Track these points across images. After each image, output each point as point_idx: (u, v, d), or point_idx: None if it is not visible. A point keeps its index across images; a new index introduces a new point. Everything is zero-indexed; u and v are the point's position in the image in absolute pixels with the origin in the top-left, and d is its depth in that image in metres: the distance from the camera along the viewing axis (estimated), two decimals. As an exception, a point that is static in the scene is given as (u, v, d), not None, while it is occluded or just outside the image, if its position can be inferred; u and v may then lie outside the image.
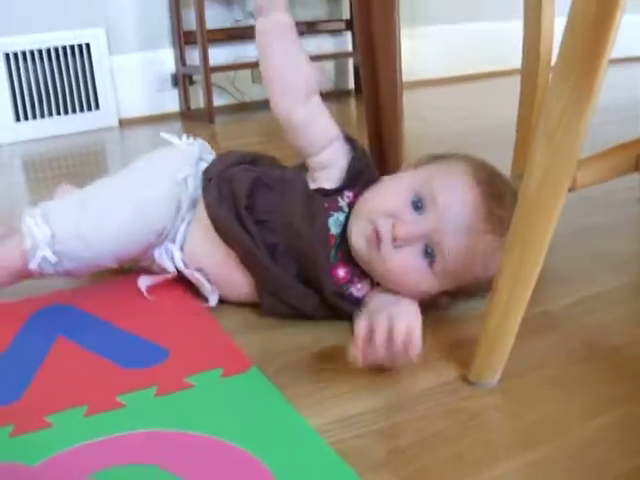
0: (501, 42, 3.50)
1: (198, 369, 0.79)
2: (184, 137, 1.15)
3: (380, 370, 0.79)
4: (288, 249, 0.92)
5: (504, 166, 1.61)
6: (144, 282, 1.01)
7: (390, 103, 1.16)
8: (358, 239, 0.87)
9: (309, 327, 0.92)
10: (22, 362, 0.84)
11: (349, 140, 0.97)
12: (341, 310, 0.91)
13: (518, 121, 1.59)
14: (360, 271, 0.91)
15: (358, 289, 0.92)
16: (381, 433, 0.69)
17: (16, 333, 0.92)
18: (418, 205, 0.85)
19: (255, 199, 0.95)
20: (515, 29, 2.94)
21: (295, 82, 0.96)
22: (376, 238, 0.85)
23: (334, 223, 0.91)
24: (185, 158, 1.07)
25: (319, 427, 0.70)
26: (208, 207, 0.97)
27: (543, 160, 0.67)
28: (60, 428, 0.71)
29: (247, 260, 0.94)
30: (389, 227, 0.84)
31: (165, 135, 1.16)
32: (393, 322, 0.76)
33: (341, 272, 0.91)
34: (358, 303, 0.89)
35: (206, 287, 0.98)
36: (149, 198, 1.00)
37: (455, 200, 0.84)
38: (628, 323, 0.90)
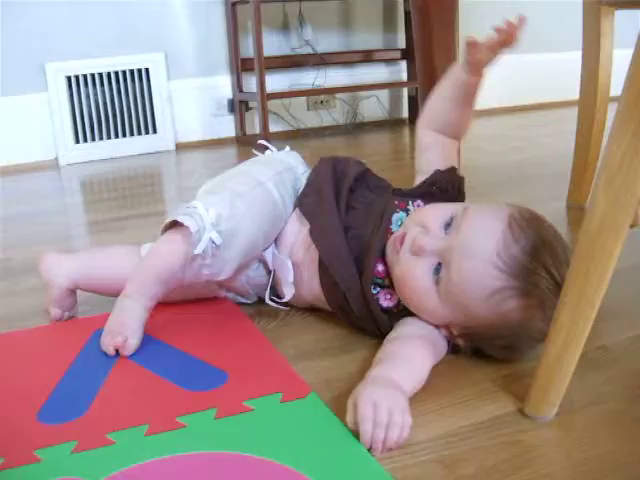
0: (556, 73, 3.50)
1: (257, 393, 0.80)
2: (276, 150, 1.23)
3: (437, 401, 0.80)
4: (357, 235, 0.97)
5: (560, 197, 1.61)
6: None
7: None
8: (391, 240, 0.92)
9: (362, 354, 0.93)
10: (85, 380, 0.87)
11: (453, 170, 1.03)
12: (370, 310, 0.94)
13: (575, 153, 1.59)
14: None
15: (386, 298, 0.94)
16: (441, 462, 0.70)
17: (79, 351, 0.94)
18: (448, 225, 0.87)
19: (357, 187, 1.04)
20: (571, 60, 2.94)
21: (439, 115, 1.05)
22: (400, 242, 0.88)
23: (396, 220, 0.96)
24: (282, 163, 1.14)
25: (378, 453, 0.71)
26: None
27: (604, 201, 0.68)
28: (121, 446, 0.73)
29: (321, 230, 0.98)
30: (414, 235, 0.87)
31: (262, 142, 1.27)
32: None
33: (380, 267, 0.93)
34: (384, 312, 0.93)
35: (289, 279, 1.02)
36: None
37: (477, 225, 0.85)
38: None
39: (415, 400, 0.79)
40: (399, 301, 0.93)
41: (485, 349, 0.90)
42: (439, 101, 1.06)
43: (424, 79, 1.15)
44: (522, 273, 0.81)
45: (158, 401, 0.81)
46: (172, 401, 0.81)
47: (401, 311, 0.93)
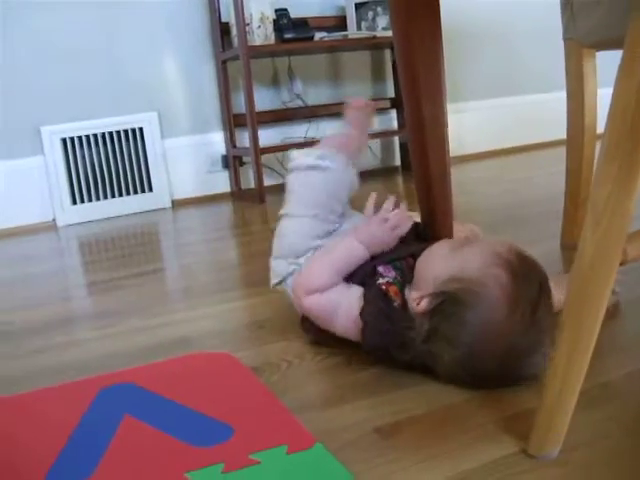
0: (544, 114, 3.56)
1: (263, 446, 0.81)
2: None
3: (443, 444, 0.81)
4: None
5: (554, 237, 1.63)
6: None
7: (440, 181, 1.18)
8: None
9: (366, 403, 0.94)
10: (91, 441, 0.87)
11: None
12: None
13: (566, 193, 1.62)
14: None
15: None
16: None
17: (84, 412, 0.95)
18: None
19: None
20: (558, 100, 2.99)
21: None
22: None
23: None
24: None
25: (385, 501, 0.71)
26: None
27: (593, 241, 0.70)
28: (131, 505, 0.74)
29: None
30: None
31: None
32: None
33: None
34: None
35: None
36: None
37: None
38: (688, 393, 0.90)
39: (422, 444, 0.81)
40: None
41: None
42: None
43: (413, 128, 1.17)
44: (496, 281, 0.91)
45: (165, 459, 0.81)
46: (179, 458, 0.81)
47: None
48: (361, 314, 1.00)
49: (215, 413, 0.90)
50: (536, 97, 3.73)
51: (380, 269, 1.05)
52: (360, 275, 1.07)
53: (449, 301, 0.93)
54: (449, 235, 1.18)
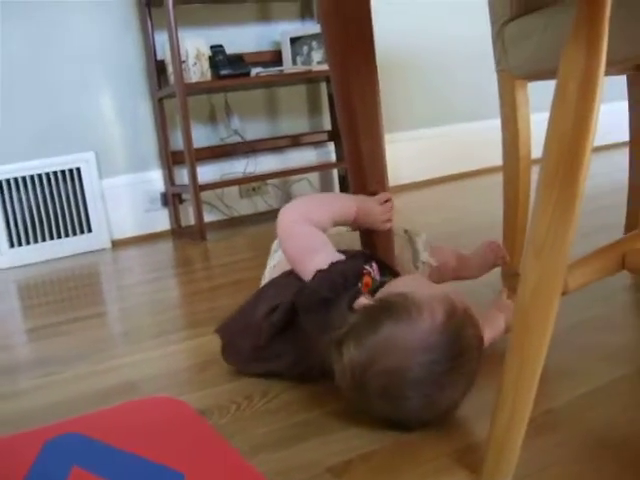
0: (478, 141, 3.63)
1: (216, 492, 0.80)
2: None
3: (398, 478, 0.81)
4: None
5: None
6: None
7: (379, 188, 1.20)
8: None
9: (317, 442, 0.93)
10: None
11: None
12: None
13: (504, 221, 1.64)
14: None
15: None
16: None
17: (30, 467, 0.92)
18: None
19: None
20: (491, 128, 3.05)
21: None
22: None
23: None
24: None
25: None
26: None
27: (534, 272, 0.71)
28: None
29: None
30: None
31: None
32: None
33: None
34: None
35: None
36: None
37: None
38: (631, 417, 0.92)
39: (373, 483, 0.80)
40: None
41: None
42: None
43: (352, 163, 1.18)
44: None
45: (115, 511, 0.80)
46: (130, 509, 0.79)
47: None
48: (321, 271, 1.01)
49: (165, 460, 0.88)
50: (469, 125, 3.81)
51: (374, 266, 1.08)
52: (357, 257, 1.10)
53: (381, 307, 0.94)
54: (390, 260, 1.21)
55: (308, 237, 1.10)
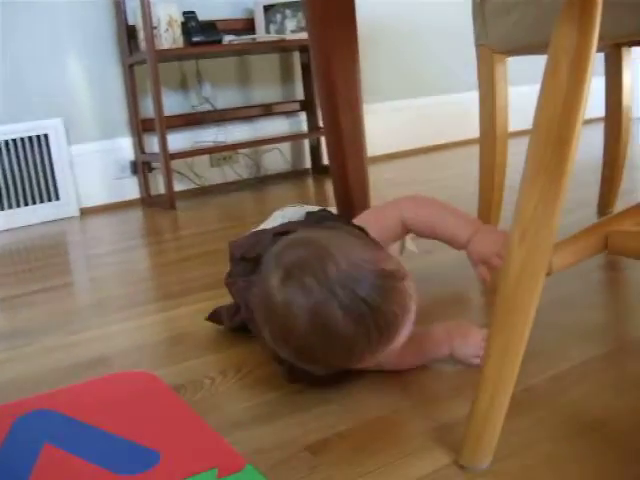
0: (452, 114, 3.63)
1: (192, 471, 0.78)
2: None
3: (374, 460, 0.80)
4: None
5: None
6: None
7: (358, 189, 1.18)
8: None
9: (294, 420, 0.92)
10: (11, 473, 0.82)
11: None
12: None
13: (480, 195, 1.64)
14: None
15: None
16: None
17: (1, 442, 0.90)
18: None
19: None
20: (464, 100, 3.04)
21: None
22: None
23: None
24: None
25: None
26: None
27: (520, 253, 0.70)
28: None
29: None
30: None
31: None
32: None
33: None
34: None
35: None
36: None
37: None
38: (608, 396, 0.92)
39: (354, 461, 0.80)
40: None
41: None
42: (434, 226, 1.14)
43: (331, 136, 1.17)
44: None
45: (89, 489, 0.78)
46: (104, 488, 0.78)
47: None
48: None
49: (139, 438, 0.87)
50: (443, 97, 3.80)
51: None
52: None
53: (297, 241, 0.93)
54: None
55: None
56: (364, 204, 1.20)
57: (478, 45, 1.52)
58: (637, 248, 0.78)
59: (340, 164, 1.18)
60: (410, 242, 1.45)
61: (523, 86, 2.71)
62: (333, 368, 0.93)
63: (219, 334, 1.26)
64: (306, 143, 3.52)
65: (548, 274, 0.73)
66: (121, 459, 0.83)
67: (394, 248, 1.37)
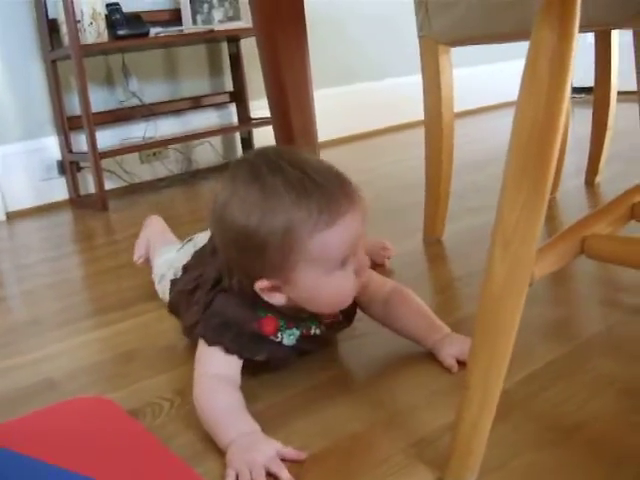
0: (381, 100, 3.61)
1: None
2: None
3: (356, 484, 0.77)
4: None
5: (415, 230, 1.63)
6: None
7: None
8: None
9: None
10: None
11: None
12: None
13: (427, 188, 1.61)
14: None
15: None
16: None
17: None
18: None
19: None
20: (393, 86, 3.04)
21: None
22: None
23: None
24: None
25: None
26: None
27: (502, 265, 0.68)
28: None
29: None
30: None
31: None
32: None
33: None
34: None
35: None
36: None
37: None
38: (582, 396, 0.90)
39: (333, 488, 0.76)
40: None
41: None
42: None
43: (282, 138, 1.12)
44: None
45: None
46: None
47: None
48: None
49: (100, 474, 0.81)
50: (373, 84, 3.79)
51: None
52: None
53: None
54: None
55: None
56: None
57: (421, 36, 1.49)
58: (612, 252, 0.76)
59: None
60: None
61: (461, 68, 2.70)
62: (272, 264, 0.90)
63: (169, 350, 1.20)
64: (237, 135, 3.44)
65: (530, 284, 0.70)
66: (86, 502, 0.77)
67: None
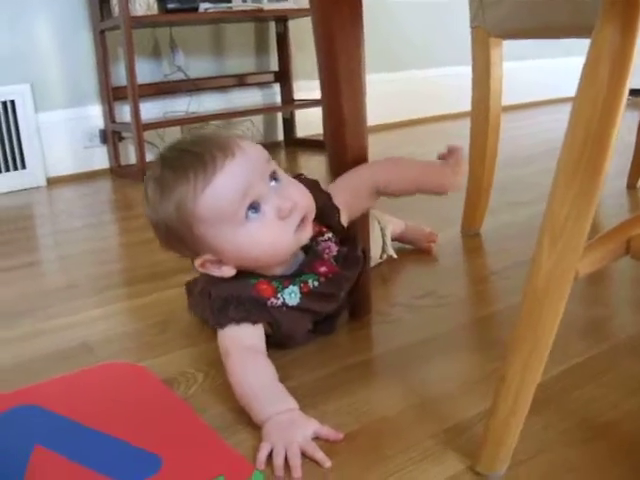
0: (426, 89, 3.59)
1: (199, 479, 0.74)
2: None
3: (384, 468, 0.77)
4: None
5: (453, 223, 1.62)
6: None
7: (358, 158, 1.13)
8: None
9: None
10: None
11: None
12: None
13: (469, 180, 1.61)
14: None
15: None
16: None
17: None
18: None
19: None
20: (437, 77, 3.02)
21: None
22: None
23: None
24: None
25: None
26: None
27: (549, 259, 0.67)
28: None
29: None
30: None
31: None
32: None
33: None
34: None
35: None
36: None
37: None
38: (616, 395, 0.90)
39: (362, 468, 0.76)
40: None
41: None
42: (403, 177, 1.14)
43: (332, 125, 1.11)
44: None
45: (87, 498, 0.73)
46: (103, 496, 0.73)
47: None
48: None
49: (137, 440, 0.82)
50: (420, 72, 3.77)
51: None
52: None
53: None
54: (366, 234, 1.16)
55: None
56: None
57: (473, 27, 1.48)
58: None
59: (340, 143, 1.12)
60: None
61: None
62: (189, 242, 0.95)
63: (204, 323, 1.21)
64: (279, 115, 3.45)
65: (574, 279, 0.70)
66: (120, 464, 0.77)
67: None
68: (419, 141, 3.28)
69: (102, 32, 2.80)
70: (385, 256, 1.43)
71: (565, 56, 3.58)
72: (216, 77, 3.20)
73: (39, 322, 1.29)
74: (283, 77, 3.35)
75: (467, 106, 1.58)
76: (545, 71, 4.08)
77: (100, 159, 2.97)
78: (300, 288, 1.01)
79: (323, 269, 1.03)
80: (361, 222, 1.14)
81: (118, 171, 2.93)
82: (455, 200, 1.66)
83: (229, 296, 0.97)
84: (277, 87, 3.41)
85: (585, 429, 0.83)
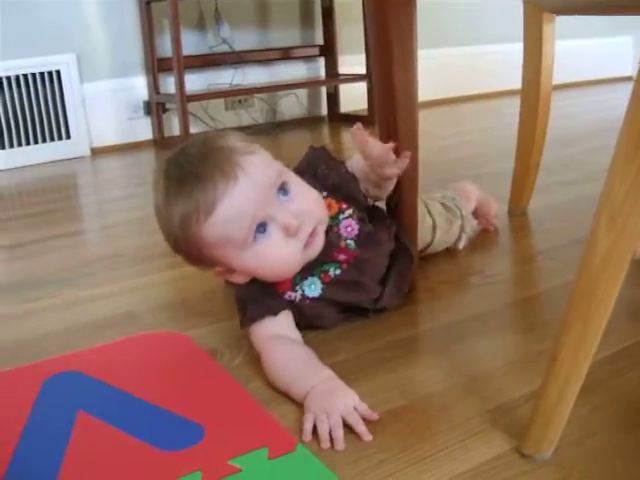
0: (470, 67, 3.54)
1: (241, 450, 0.73)
2: None
3: (430, 444, 0.76)
4: None
5: (500, 201, 1.59)
6: None
7: (408, 131, 1.11)
8: None
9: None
10: (46, 444, 0.77)
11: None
12: None
13: (517, 157, 1.58)
14: None
15: None
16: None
17: (31, 408, 0.85)
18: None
19: None
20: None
21: None
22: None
23: None
24: None
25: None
26: None
27: (607, 238, 0.65)
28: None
29: None
30: None
31: None
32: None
33: None
34: None
35: None
36: None
37: None
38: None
39: (408, 444, 0.76)
40: None
41: None
42: None
43: (383, 97, 1.10)
44: None
45: (133, 467, 0.73)
46: (150, 466, 0.72)
47: None
48: None
49: (179, 409, 0.82)
50: (465, 49, 3.72)
51: None
52: None
53: None
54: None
55: None
56: (413, 157, 1.11)
57: (526, 2, 1.44)
58: None
59: (390, 115, 1.10)
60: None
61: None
62: (199, 256, 0.94)
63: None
64: (323, 90, 3.43)
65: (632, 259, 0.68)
66: (163, 432, 0.78)
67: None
68: (464, 119, 3.24)
69: (148, 3, 2.80)
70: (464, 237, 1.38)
71: (614, 35, 3.52)
72: (261, 50, 3.19)
73: (82, 290, 1.30)
74: (328, 51, 3.32)
75: (517, 84, 1.55)
76: (594, 51, 3.99)
77: (144, 130, 2.98)
78: (321, 278, 1.00)
79: (342, 256, 1.01)
80: (409, 214, 1.13)
81: (161, 142, 2.94)
82: (502, 179, 1.64)
83: (245, 296, 0.98)
84: (322, 61, 3.39)
85: (632, 415, 0.81)
